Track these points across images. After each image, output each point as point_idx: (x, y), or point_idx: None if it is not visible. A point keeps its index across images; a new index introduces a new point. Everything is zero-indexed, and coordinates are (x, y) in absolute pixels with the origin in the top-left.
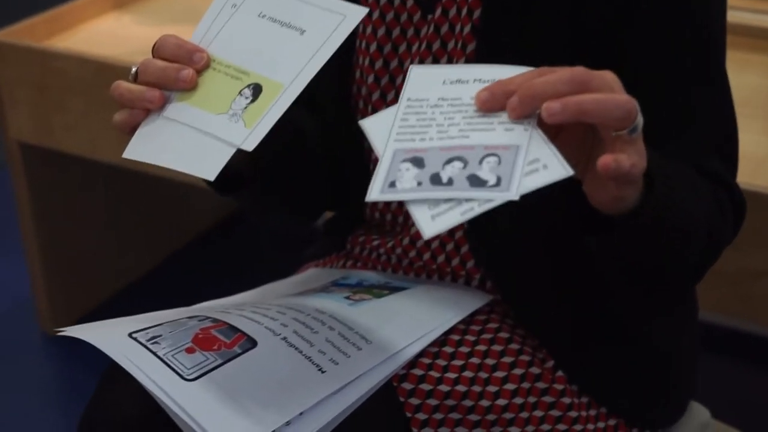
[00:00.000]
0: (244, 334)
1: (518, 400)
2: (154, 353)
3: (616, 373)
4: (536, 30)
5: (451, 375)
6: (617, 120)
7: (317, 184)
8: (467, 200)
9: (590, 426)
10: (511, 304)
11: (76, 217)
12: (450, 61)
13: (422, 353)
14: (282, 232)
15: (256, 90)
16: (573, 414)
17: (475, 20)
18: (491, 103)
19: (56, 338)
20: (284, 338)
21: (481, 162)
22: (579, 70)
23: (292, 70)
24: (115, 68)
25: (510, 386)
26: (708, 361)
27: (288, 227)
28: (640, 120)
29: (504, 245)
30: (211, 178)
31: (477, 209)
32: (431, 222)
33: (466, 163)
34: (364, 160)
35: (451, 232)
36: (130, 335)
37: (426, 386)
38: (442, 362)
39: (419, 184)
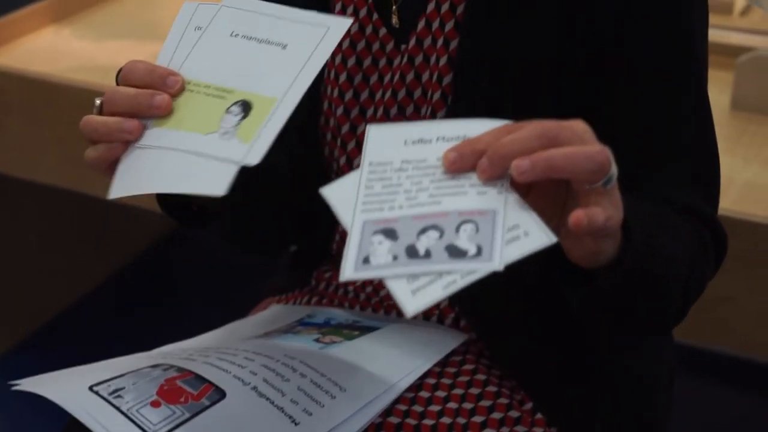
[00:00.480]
0: (212, 384)
1: None
2: (117, 408)
3: (596, 413)
4: (517, 62)
5: (429, 422)
6: (589, 173)
7: (285, 218)
8: (448, 273)
9: None
10: (486, 344)
11: (7, 241)
12: (425, 94)
13: (398, 399)
14: (219, 257)
15: (245, 106)
16: None
17: (452, 51)
18: (460, 164)
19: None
20: (254, 387)
21: (457, 230)
22: (548, 124)
23: (282, 84)
24: (55, 85)
25: (488, 431)
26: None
27: (251, 258)
28: (614, 171)
29: (480, 284)
30: (222, 193)
31: (460, 282)
32: (412, 297)
33: (441, 231)
34: None
35: None
36: (90, 388)
37: (394, 419)
38: (419, 408)
39: (395, 258)
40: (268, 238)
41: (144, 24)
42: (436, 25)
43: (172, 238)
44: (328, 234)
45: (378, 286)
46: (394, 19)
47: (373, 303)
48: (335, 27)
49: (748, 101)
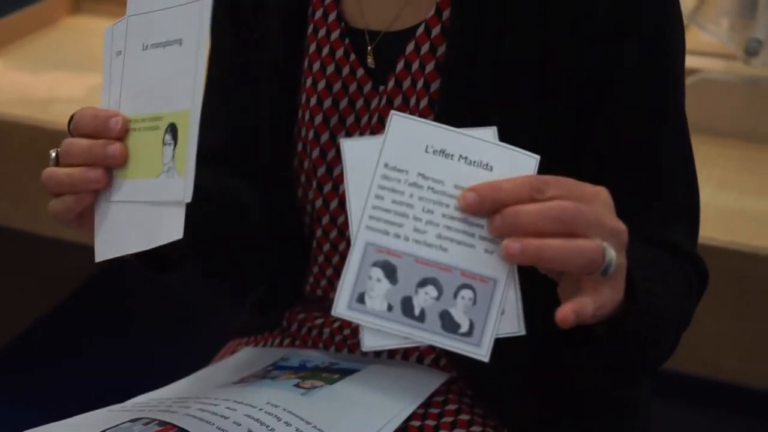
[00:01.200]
0: None
1: None
2: None
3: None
4: (499, 104)
5: None
6: (580, 268)
7: (255, 259)
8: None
9: None
10: (468, 382)
11: None
12: None
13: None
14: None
15: (173, 130)
16: None
17: (433, 93)
18: (476, 210)
19: None
20: None
21: (455, 295)
22: (569, 207)
23: (186, 90)
24: None
25: None
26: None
27: (217, 299)
28: (609, 260)
29: None
30: (179, 236)
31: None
32: (374, 336)
33: (440, 291)
34: (305, 237)
35: None
36: None
37: None
38: None
39: (390, 308)
40: (237, 279)
41: (81, 54)
42: (415, 66)
43: (113, 273)
44: (301, 275)
45: (357, 328)
46: (370, 60)
47: (349, 344)
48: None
49: (696, 123)
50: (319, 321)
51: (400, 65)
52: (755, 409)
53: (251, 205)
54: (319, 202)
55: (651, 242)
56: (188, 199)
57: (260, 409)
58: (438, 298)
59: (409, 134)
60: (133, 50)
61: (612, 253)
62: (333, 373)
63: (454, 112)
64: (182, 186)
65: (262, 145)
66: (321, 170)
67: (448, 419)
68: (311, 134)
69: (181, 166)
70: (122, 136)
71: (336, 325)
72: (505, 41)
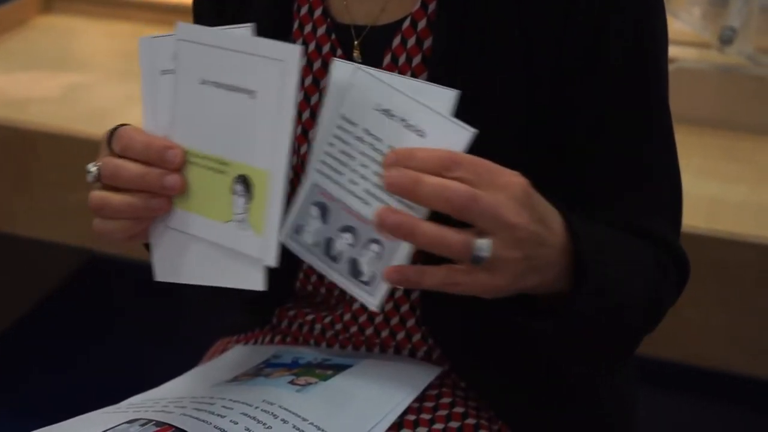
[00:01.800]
0: None
1: None
2: None
3: (562, 424)
4: (485, 94)
5: None
6: (447, 255)
7: None
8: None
9: None
10: (461, 375)
11: None
12: None
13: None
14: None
15: (245, 183)
16: None
17: None
18: (396, 189)
19: None
20: None
21: (366, 246)
22: (466, 191)
23: (267, 150)
24: None
25: None
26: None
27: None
28: (479, 255)
29: (454, 316)
30: (262, 288)
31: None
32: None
33: (356, 240)
34: None
35: (397, 305)
36: None
37: None
38: None
39: (316, 244)
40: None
41: (56, 53)
42: (402, 59)
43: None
44: (291, 273)
45: (348, 323)
46: (356, 54)
47: (341, 339)
48: (288, 59)
49: (674, 112)
50: (310, 317)
51: (387, 59)
52: (738, 396)
53: None
54: None
55: (629, 230)
56: (272, 263)
57: (256, 407)
58: (353, 246)
59: (366, 90)
60: (187, 79)
61: (484, 248)
62: (326, 369)
63: None
64: (259, 244)
65: None
66: None
67: (443, 412)
68: (299, 130)
69: (259, 224)
70: (178, 169)
71: (327, 320)
72: (489, 34)
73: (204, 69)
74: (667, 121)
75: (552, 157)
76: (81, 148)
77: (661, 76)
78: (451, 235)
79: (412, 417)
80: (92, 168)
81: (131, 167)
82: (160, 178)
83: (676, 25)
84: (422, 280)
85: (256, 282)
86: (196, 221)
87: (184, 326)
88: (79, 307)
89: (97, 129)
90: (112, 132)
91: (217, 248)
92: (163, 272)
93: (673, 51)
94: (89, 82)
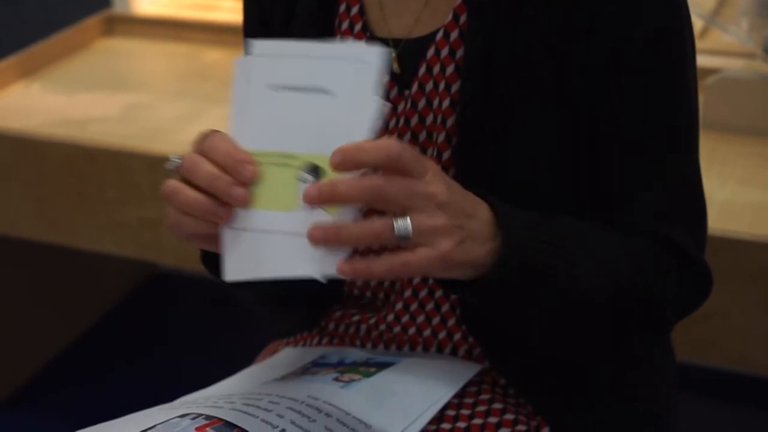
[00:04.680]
0: (242, 429)
1: None
2: None
3: (604, 428)
4: (517, 99)
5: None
6: (377, 243)
7: None
8: None
9: None
10: (501, 372)
11: None
12: (430, 136)
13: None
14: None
15: (314, 170)
16: None
17: (454, 94)
18: (316, 201)
19: None
20: (282, 430)
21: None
22: (378, 179)
23: (339, 138)
24: (30, 141)
25: None
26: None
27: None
28: (402, 233)
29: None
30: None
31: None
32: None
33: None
34: None
35: (437, 305)
36: None
37: None
38: (431, 427)
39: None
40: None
41: (114, 75)
42: (437, 69)
43: (154, 284)
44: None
45: (392, 323)
46: (395, 66)
47: (386, 339)
48: (372, 59)
49: (718, 122)
50: (355, 318)
51: (422, 70)
52: None
53: None
54: None
55: (648, 237)
56: None
57: (302, 402)
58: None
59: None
60: (268, 88)
61: (403, 225)
62: (370, 367)
63: (474, 110)
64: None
65: None
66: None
67: (483, 408)
68: None
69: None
70: (248, 183)
71: (372, 321)
72: (519, 41)
73: (283, 78)
74: (695, 136)
75: (579, 158)
76: (139, 164)
77: (687, 85)
78: (373, 225)
79: (452, 412)
80: (175, 158)
81: (208, 167)
82: (229, 186)
83: (722, 38)
84: (371, 269)
85: (331, 265)
86: (259, 216)
87: (240, 333)
88: (141, 318)
89: (154, 146)
90: (205, 135)
91: (286, 239)
92: (235, 272)
93: (717, 61)
94: (147, 102)
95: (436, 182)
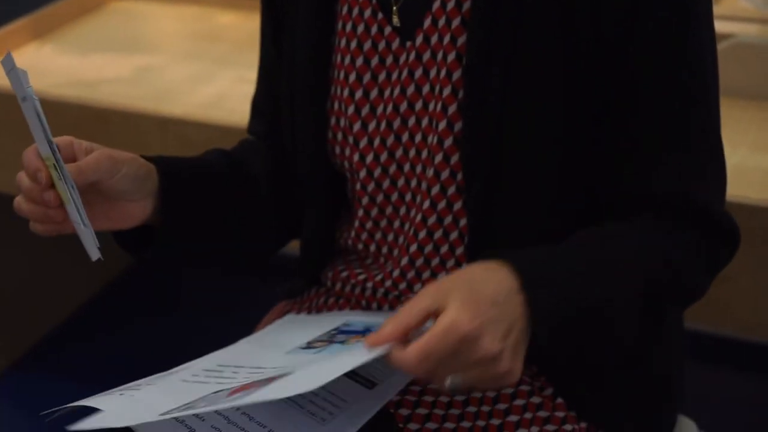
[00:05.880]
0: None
1: (522, 431)
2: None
3: (614, 397)
4: (524, 54)
5: (466, 424)
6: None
7: (267, 227)
8: None
9: None
10: None
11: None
12: (433, 89)
13: (415, 381)
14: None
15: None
16: None
17: (460, 47)
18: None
19: None
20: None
21: None
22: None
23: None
24: (44, 102)
25: (513, 418)
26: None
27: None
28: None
29: None
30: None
31: None
32: None
33: None
34: (342, 193)
35: (443, 261)
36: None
37: (423, 410)
38: (455, 411)
39: None
40: (251, 246)
41: (126, 37)
42: (442, 22)
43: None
44: (339, 230)
45: (397, 279)
46: (395, 19)
47: (390, 299)
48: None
49: (731, 87)
50: (361, 277)
51: (427, 21)
52: None
53: (259, 179)
54: (356, 157)
55: (669, 201)
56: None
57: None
58: None
59: None
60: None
61: (454, 382)
62: None
63: (481, 64)
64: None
65: (300, 104)
66: (356, 126)
67: None
68: (346, 92)
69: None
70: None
71: (378, 278)
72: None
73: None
74: (715, 94)
75: (592, 126)
76: (149, 125)
77: (702, 46)
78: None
79: None
80: None
81: (25, 181)
82: (40, 194)
83: (738, 3)
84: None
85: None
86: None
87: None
88: (151, 281)
89: (165, 107)
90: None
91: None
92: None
93: (733, 27)
94: (159, 63)
95: (476, 340)
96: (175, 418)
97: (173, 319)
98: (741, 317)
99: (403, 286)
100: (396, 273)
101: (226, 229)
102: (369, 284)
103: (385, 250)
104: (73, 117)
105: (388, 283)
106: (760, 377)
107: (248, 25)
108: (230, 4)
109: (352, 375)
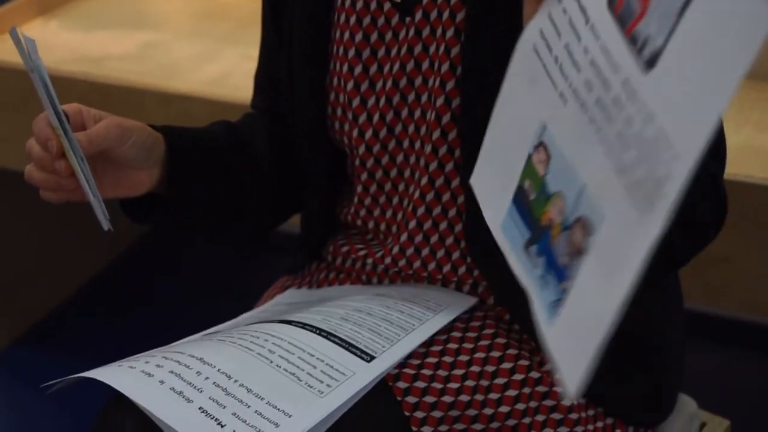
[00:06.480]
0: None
1: (520, 406)
2: None
3: (613, 374)
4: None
5: (454, 385)
6: None
7: (269, 200)
8: None
9: (590, 426)
10: (506, 307)
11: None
12: (432, 65)
13: (423, 364)
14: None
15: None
16: (574, 416)
17: (459, 23)
18: None
19: None
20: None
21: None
22: None
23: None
24: (49, 77)
25: (511, 392)
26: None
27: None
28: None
29: (498, 248)
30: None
31: None
32: None
33: None
34: (342, 167)
35: (442, 238)
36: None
37: (421, 383)
38: (443, 372)
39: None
40: (250, 220)
41: (131, 13)
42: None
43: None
44: (330, 204)
45: (397, 256)
46: None
47: (391, 274)
48: None
49: None
50: (362, 253)
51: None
52: None
53: (262, 153)
54: (355, 133)
55: None
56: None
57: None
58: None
59: None
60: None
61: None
62: None
63: (479, 40)
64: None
65: (300, 80)
66: (355, 102)
67: (485, 342)
68: (345, 68)
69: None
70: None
71: (378, 254)
72: None
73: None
74: None
75: None
76: (152, 101)
77: None
78: None
79: (454, 345)
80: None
81: (36, 150)
82: (51, 163)
83: None
84: None
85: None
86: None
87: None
88: (154, 259)
89: (169, 83)
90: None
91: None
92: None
93: None
94: (164, 40)
95: None
96: (172, 389)
97: (175, 296)
98: (742, 297)
99: (402, 262)
100: (396, 249)
101: (228, 200)
102: (369, 260)
103: (383, 227)
104: (78, 93)
105: (388, 260)
106: (760, 357)
107: (253, 3)
108: None
109: (350, 347)
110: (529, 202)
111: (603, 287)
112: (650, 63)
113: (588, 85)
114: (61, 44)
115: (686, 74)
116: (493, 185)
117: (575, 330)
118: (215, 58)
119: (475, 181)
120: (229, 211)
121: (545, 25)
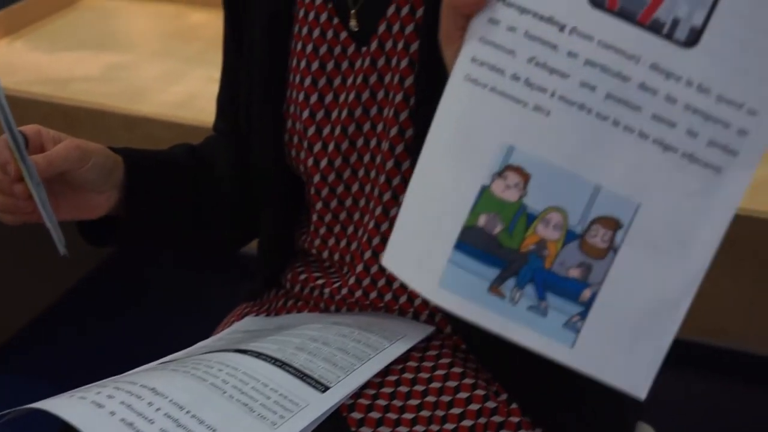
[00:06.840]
0: None
1: None
2: None
3: (569, 403)
4: None
5: (409, 415)
6: None
7: (228, 223)
8: None
9: None
10: (462, 337)
11: None
12: (387, 95)
13: (378, 394)
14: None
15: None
16: None
17: (413, 53)
18: None
19: None
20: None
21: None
22: None
23: None
24: (12, 99)
25: (467, 422)
26: None
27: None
28: None
29: None
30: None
31: None
32: None
33: None
34: (297, 197)
35: None
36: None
37: (375, 414)
38: (398, 402)
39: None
40: (207, 241)
41: (97, 35)
42: (396, 28)
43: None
44: (295, 232)
45: (353, 287)
46: (353, 23)
47: (349, 303)
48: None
49: None
50: (320, 282)
51: (382, 27)
52: (754, 374)
53: (222, 175)
54: (310, 161)
55: None
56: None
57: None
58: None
59: None
60: None
61: None
62: None
63: (432, 71)
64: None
65: (258, 107)
66: (311, 130)
67: (442, 372)
68: (301, 96)
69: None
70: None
71: (336, 284)
72: None
73: None
74: None
75: None
76: (116, 123)
77: None
78: None
79: (410, 375)
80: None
81: None
82: (10, 186)
83: None
84: None
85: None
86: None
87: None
88: (124, 276)
89: (134, 105)
90: None
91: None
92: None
93: None
94: (130, 62)
95: None
96: (123, 420)
97: (138, 319)
98: (702, 322)
99: (359, 293)
100: (352, 280)
101: (187, 223)
102: (327, 290)
103: (337, 257)
104: (41, 114)
105: (345, 290)
106: (720, 381)
107: (221, 24)
108: (203, 2)
109: (304, 378)
110: (494, 236)
111: (666, 268)
112: (690, 42)
113: (587, 86)
114: (25, 65)
115: (737, 45)
116: (415, 253)
117: (622, 329)
118: (181, 79)
119: (389, 260)
120: (187, 233)
121: (478, 51)
